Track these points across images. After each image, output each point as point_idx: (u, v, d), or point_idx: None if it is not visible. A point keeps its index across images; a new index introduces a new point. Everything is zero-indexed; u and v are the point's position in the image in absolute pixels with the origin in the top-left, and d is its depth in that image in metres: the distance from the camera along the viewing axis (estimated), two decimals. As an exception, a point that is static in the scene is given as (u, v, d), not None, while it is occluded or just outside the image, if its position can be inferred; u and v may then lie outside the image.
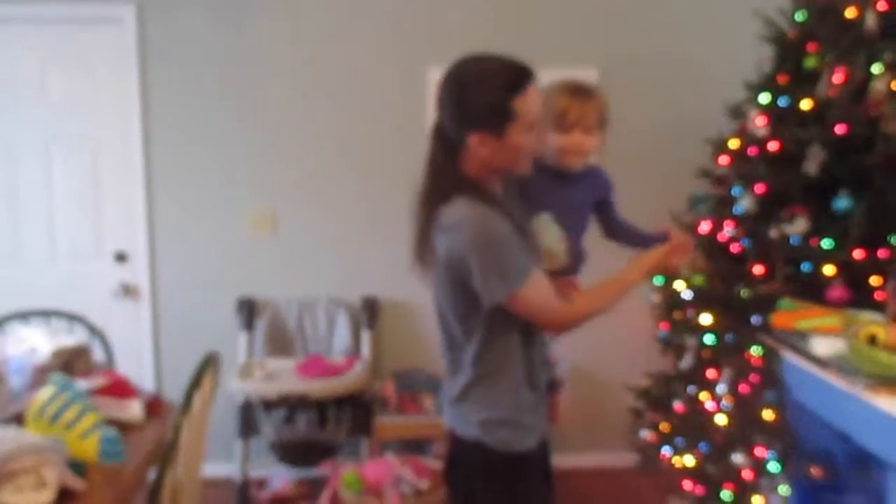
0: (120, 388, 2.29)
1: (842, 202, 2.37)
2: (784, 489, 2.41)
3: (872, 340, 1.88)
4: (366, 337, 3.56)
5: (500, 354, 1.64)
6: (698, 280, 2.86)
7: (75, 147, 3.64)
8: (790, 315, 2.28)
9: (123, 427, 2.06)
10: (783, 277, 2.53)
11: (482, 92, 1.53)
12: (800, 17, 2.74)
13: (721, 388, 2.65)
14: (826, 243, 2.39)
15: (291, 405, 3.17)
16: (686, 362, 2.87)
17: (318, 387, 3.13)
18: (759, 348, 2.52)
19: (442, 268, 1.62)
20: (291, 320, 3.62)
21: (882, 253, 2.27)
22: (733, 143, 2.90)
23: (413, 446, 3.41)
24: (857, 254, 2.31)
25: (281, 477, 3.48)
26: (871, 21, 2.37)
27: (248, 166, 3.64)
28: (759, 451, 2.51)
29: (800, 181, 2.52)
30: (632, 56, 3.60)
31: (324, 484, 3.14)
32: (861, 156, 2.34)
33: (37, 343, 2.39)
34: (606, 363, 3.65)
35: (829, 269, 2.37)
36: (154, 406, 2.30)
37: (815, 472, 2.26)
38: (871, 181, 2.33)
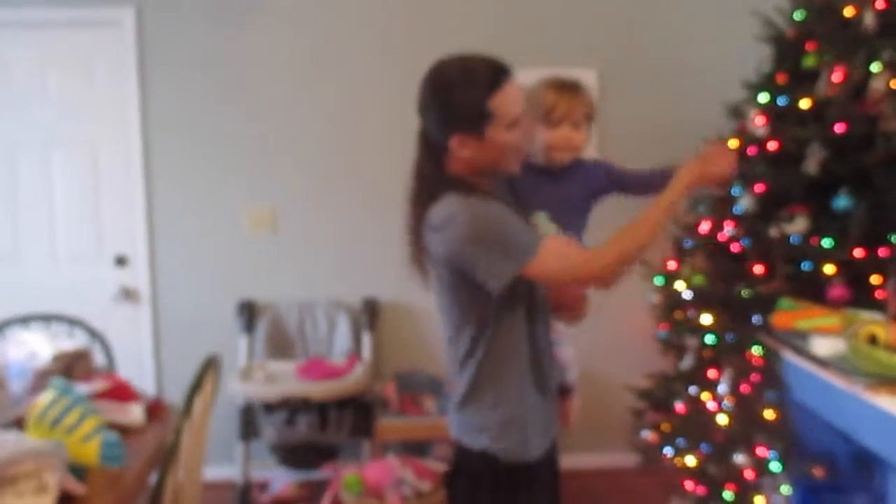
0: (121, 392, 2.30)
1: (842, 201, 2.37)
2: (786, 489, 2.41)
3: (872, 340, 1.88)
4: (366, 338, 3.56)
5: (504, 351, 1.61)
6: (698, 280, 2.86)
7: (75, 150, 3.64)
8: (790, 315, 2.28)
9: (124, 431, 2.06)
10: (783, 277, 2.52)
11: (458, 93, 1.52)
12: (798, 16, 2.73)
13: (722, 388, 2.65)
14: (826, 242, 2.39)
15: (292, 407, 3.17)
16: (687, 362, 2.87)
17: (318, 389, 3.13)
18: (760, 348, 2.52)
19: (440, 268, 1.61)
20: (292, 322, 3.62)
21: (882, 251, 2.26)
22: (732, 143, 2.89)
23: (414, 448, 3.40)
24: (858, 252, 2.30)
25: (282, 479, 3.48)
26: (869, 20, 2.36)
27: (248, 168, 3.64)
28: (761, 451, 2.51)
29: (799, 180, 2.52)
30: (631, 57, 3.60)
31: (325, 486, 3.14)
32: (861, 154, 2.33)
33: (37, 347, 2.39)
34: (607, 364, 3.65)
35: (829, 268, 2.37)
36: (155, 409, 2.30)
37: (816, 471, 2.26)
38: (871, 180, 2.33)
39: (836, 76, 2.40)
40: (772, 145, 2.65)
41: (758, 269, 2.62)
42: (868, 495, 2.05)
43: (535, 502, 1.68)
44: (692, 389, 2.86)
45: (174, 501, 1.96)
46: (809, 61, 2.56)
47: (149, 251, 3.65)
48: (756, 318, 2.54)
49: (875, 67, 2.29)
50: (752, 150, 2.75)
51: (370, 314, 3.58)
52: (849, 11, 2.45)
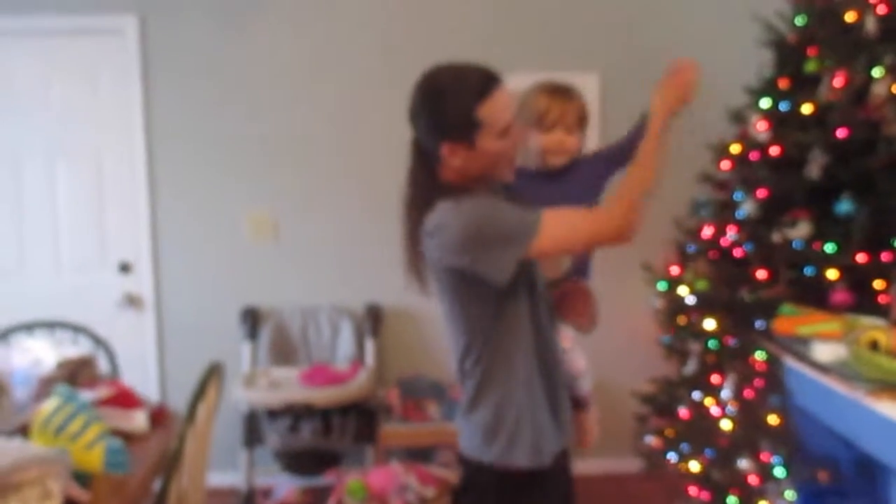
0: (124, 399, 2.30)
1: (844, 206, 2.37)
2: (790, 494, 2.41)
3: (874, 345, 1.88)
4: (369, 344, 3.56)
5: (509, 357, 1.60)
6: (701, 285, 2.86)
7: (79, 157, 3.65)
8: (791, 321, 2.28)
9: (128, 437, 2.07)
10: (786, 282, 2.53)
11: (447, 102, 1.52)
12: (800, 21, 2.74)
13: (726, 393, 2.65)
14: (829, 247, 2.39)
15: (296, 414, 3.17)
16: (690, 367, 2.87)
17: (322, 395, 3.13)
18: (764, 353, 2.52)
19: (440, 273, 1.60)
20: (295, 329, 3.62)
21: (885, 256, 2.26)
22: (735, 148, 2.90)
23: (418, 454, 3.40)
24: (860, 257, 2.31)
25: (286, 485, 3.48)
26: (870, 24, 2.37)
27: (251, 174, 3.65)
28: (765, 456, 2.50)
29: (802, 185, 2.52)
30: (633, 61, 3.61)
31: (329, 492, 3.13)
32: (863, 159, 2.33)
33: (42, 354, 2.40)
34: (611, 369, 3.64)
35: (832, 273, 2.37)
36: (158, 416, 2.30)
37: (821, 476, 2.26)
38: (874, 184, 2.33)
39: (838, 81, 2.40)
40: (774, 150, 2.65)
41: (761, 274, 2.62)
42: (870, 500, 2.04)
43: None
44: (696, 394, 2.86)
45: (178, 508, 1.96)
46: (811, 66, 2.57)
47: (152, 258, 3.66)
48: (759, 323, 2.54)
49: (876, 72, 2.30)
50: (754, 155, 2.76)
51: (373, 320, 3.59)
52: (850, 16, 2.46)
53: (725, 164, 2.95)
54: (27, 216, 3.66)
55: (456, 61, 1.58)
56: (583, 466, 3.61)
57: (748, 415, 2.58)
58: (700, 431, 2.78)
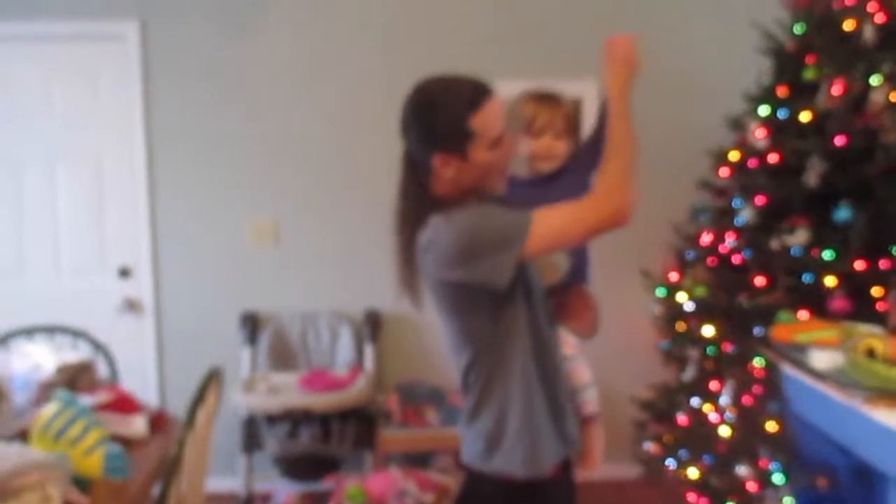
0: (124, 404, 2.30)
1: (842, 213, 2.38)
2: (788, 501, 2.41)
3: (871, 353, 1.88)
4: (369, 350, 3.56)
5: (508, 365, 1.59)
6: (700, 291, 2.86)
7: (79, 161, 3.66)
8: (789, 328, 2.28)
9: (127, 442, 2.07)
10: (785, 288, 2.53)
11: (438, 113, 1.52)
12: (798, 29, 2.75)
13: (724, 400, 2.65)
14: (827, 254, 2.40)
15: (295, 419, 3.17)
16: (689, 374, 2.88)
17: (321, 400, 3.13)
18: (762, 359, 2.52)
19: (437, 287, 1.60)
20: (294, 334, 3.63)
21: (883, 263, 2.27)
22: (733, 155, 2.91)
23: (417, 459, 3.40)
24: (859, 265, 2.31)
25: (285, 491, 3.48)
26: (869, 33, 2.38)
27: (251, 179, 3.66)
28: (763, 463, 2.50)
29: (800, 192, 2.53)
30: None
31: (328, 498, 3.13)
32: (861, 166, 2.34)
33: (41, 359, 2.40)
34: (610, 375, 3.62)
35: (830, 280, 2.37)
36: (158, 421, 2.31)
37: (819, 483, 2.26)
38: (872, 192, 2.34)
39: (836, 89, 2.41)
40: (772, 157, 2.66)
41: (759, 280, 2.62)
42: (869, 508, 2.05)
43: None
44: (694, 401, 2.86)
45: (177, 513, 1.96)
46: (809, 74, 2.58)
47: (152, 262, 3.66)
48: (757, 330, 2.55)
49: (874, 80, 2.31)
50: (753, 162, 2.77)
51: (372, 325, 3.59)
52: (848, 25, 2.47)
53: (724, 171, 2.96)
54: (27, 220, 3.67)
55: (447, 73, 1.58)
56: (581, 472, 3.62)
57: (747, 421, 2.58)
58: (699, 438, 2.79)
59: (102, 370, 2.90)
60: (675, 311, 3.02)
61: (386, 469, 3.18)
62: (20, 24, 3.55)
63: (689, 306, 2.92)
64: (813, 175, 2.46)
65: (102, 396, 2.27)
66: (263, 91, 3.63)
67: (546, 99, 1.82)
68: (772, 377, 2.48)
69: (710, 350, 2.78)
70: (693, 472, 2.81)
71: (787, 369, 2.31)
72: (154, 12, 3.57)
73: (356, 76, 3.63)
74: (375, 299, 3.65)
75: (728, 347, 2.70)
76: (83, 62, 3.62)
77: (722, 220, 2.93)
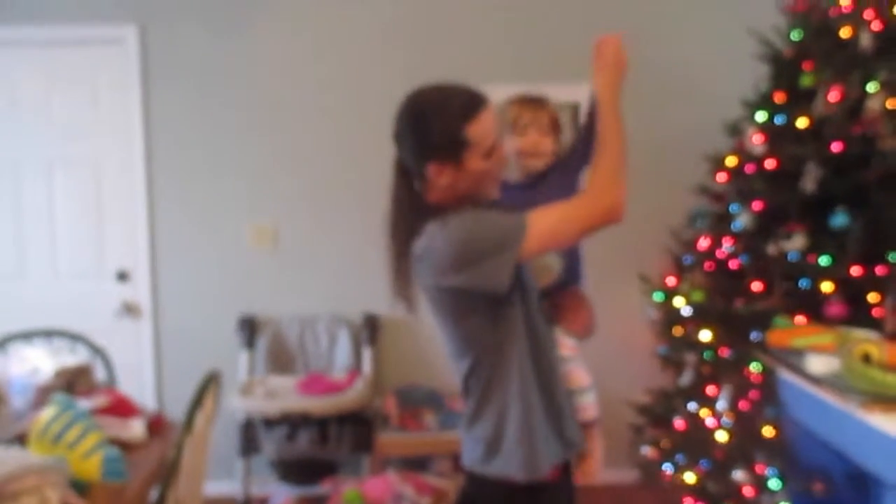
0: (122, 408, 2.31)
1: (839, 219, 2.39)
2: (785, 506, 2.42)
3: (866, 358, 1.89)
4: (367, 354, 3.56)
5: (507, 369, 1.59)
6: (697, 296, 2.87)
7: (78, 166, 3.67)
8: (785, 333, 2.29)
9: (125, 446, 2.07)
10: (781, 294, 2.54)
11: (435, 122, 1.53)
12: (795, 35, 2.77)
13: (721, 405, 2.66)
14: (824, 260, 2.41)
15: (293, 423, 3.17)
16: (686, 378, 2.88)
17: (319, 404, 3.14)
18: (759, 364, 2.53)
19: (435, 294, 1.60)
20: (292, 338, 3.63)
21: (880, 269, 2.28)
22: (731, 161, 2.92)
23: (414, 463, 3.40)
24: (855, 270, 2.32)
25: (282, 494, 3.48)
26: (865, 40, 2.40)
27: (249, 184, 3.67)
28: (760, 468, 2.51)
29: (797, 198, 2.54)
30: (629, 74, 3.61)
31: (325, 501, 3.14)
32: (858, 173, 2.36)
33: (39, 363, 2.40)
34: (607, 379, 3.61)
35: (827, 286, 2.38)
36: (156, 425, 2.31)
37: (816, 488, 2.26)
38: (868, 198, 2.35)
39: (833, 95, 2.43)
40: (770, 163, 2.67)
41: (756, 285, 2.63)
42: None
43: None
44: (691, 405, 2.87)
45: (175, 517, 1.96)
46: (807, 80, 2.59)
47: (150, 266, 3.67)
48: (754, 335, 2.56)
49: (871, 87, 2.33)
50: (750, 168, 2.78)
51: (370, 329, 3.60)
52: (845, 32, 2.48)
53: (722, 177, 2.97)
54: (26, 224, 3.67)
55: (441, 82, 1.60)
56: (580, 480, 3.62)
57: (743, 426, 2.59)
58: (695, 442, 2.79)
59: (100, 374, 2.89)
60: (673, 316, 3.03)
61: (383, 473, 3.18)
62: (19, 28, 3.56)
63: (686, 311, 2.93)
64: (810, 181, 2.47)
65: (100, 400, 2.28)
66: (262, 95, 3.64)
67: (530, 100, 1.86)
68: (768, 382, 2.49)
69: (707, 355, 2.79)
70: (690, 477, 2.81)
71: (784, 374, 2.32)
72: (153, 17, 3.58)
73: (354, 81, 3.64)
74: (373, 303, 3.65)
75: (725, 352, 2.71)
76: (82, 66, 3.63)
77: (719, 225, 2.94)
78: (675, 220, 3.30)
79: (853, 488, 2.07)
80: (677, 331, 2.99)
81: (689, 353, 2.88)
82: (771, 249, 2.59)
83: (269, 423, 3.21)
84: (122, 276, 3.69)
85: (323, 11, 3.62)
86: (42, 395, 2.25)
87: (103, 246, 3.70)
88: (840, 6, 2.54)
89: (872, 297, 2.30)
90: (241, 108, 3.63)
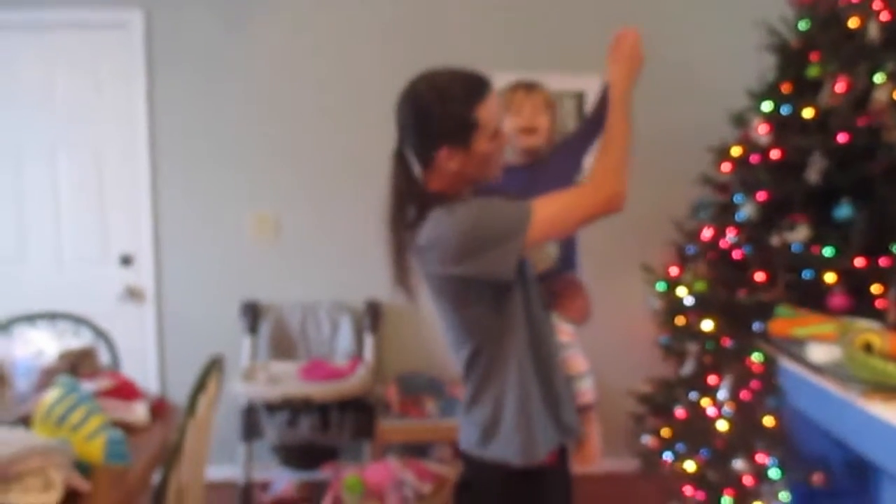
0: (125, 391, 2.32)
1: (843, 210, 2.38)
2: (784, 495, 2.42)
3: (868, 348, 1.89)
4: (368, 340, 3.57)
5: (506, 355, 1.61)
6: (700, 286, 2.87)
7: (81, 150, 3.67)
8: (787, 322, 2.29)
9: (129, 429, 2.08)
10: (784, 285, 2.54)
11: (445, 105, 1.53)
12: (803, 26, 2.75)
13: (722, 394, 2.67)
14: (827, 251, 2.40)
15: (294, 408, 3.18)
16: (687, 368, 2.88)
17: (320, 390, 3.15)
18: (761, 355, 2.53)
19: (439, 282, 1.61)
20: (295, 324, 3.64)
21: (883, 261, 2.27)
22: (736, 151, 2.91)
23: (415, 450, 3.42)
24: (859, 262, 2.32)
25: (283, 480, 3.50)
26: (873, 31, 2.38)
27: (253, 169, 3.67)
28: (760, 458, 2.52)
29: (801, 189, 2.53)
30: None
31: (326, 487, 3.15)
32: (862, 164, 2.35)
33: (43, 345, 2.41)
34: (608, 368, 3.64)
35: (830, 277, 2.38)
36: (159, 408, 2.32)
37: (816, 478, 2.27)
38: (873, 190, 2.34)
39: (840, 86, 2.41)
40: (774, 154, 2.66)
41: (759, 276, 2.63)
42: (862, 502, 2.06)
43: None
44: (692, 395, 2.87)
45: (177, 500, 1.97)
46: (813, 71, 2.58)
47: (154, 251, 3.67)
48: (756, 326, 2.56)
49: (878, 78, 2.31)
50: (755, 158, 2.77)
51: (372, 316, 3.60)
52: (853, 22, 2.47)
53: (726, 167, 2.96)
54: (30, 208, 3.68)
55: (441, 67, 1.60)
56: (579, 467, 3.64)
57: (744, 416, 2.59)
58: (696, 432, 2.80)
59: (104, 357, 2.91)
60: (675, 306, 3.02)
61: (384, 459, 3.19)
62: (23, 12, 3.55)
63: (688, 301, 2.93)
64: (814, 172, 2.46)
65: (104, 383, 2.29)
66: (266, 82, 3.63)
67: (523, 84, 1.94)
68: (769, 372, 2.49)
69: (708, 345, 2.79)
70: (690, 466, 2.82)
71: (785, 363, 2.32)
72: (157, 1, 3.57)
73: (357, 68, 3.63)
74: (376, 290, 3.65)
75: (727, 342, 2.71)
76: (86, 51, 3.63)
77: (723, 215, 2.94)
78: (679, 210, 3.30)
79: (853, 477, 2.08)
80: (679, 321, 2.99)
81: (690, 342, 2.88)
82: (774, 240, 2.59)
83: (271, 408, 3.22)
84: (126, 261, 3.70)
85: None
86: (46, 378, 2.26)
87: (106, 230, 3.70)
88: (848, -4, 2.53)
89: (876, 289, 2.29)
90: (246, 94, 3.63)
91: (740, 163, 2.88)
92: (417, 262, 1.62)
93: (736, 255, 2.79)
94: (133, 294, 3.71)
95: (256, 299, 3.66)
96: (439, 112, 1.54)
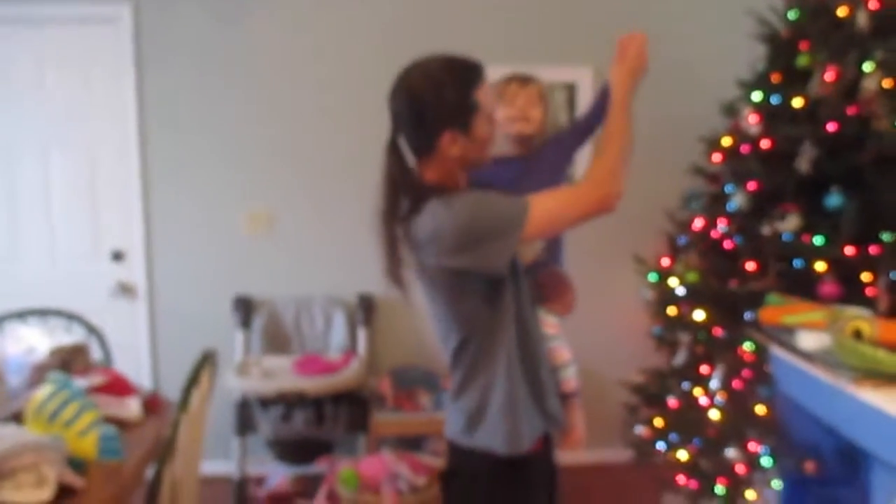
0: (118, 386, 2.31)
1: (833, 199, 2.39)
2: (776, 483, 2.44)
3: (857, 335, 1.90)
4: (362, 334, 3.57)
5: (494, 346, 1.61)
6: (692, 276, 2.88)
7: (72, 145, 3.65)
8: (777, 310, 2.30)
9: (122, 424, 2.08)
10: (775, 274, 2.55)
11: (446, 89, 1.54)
12: (792, 15, 2.75)
13: (714, 384, 2.68)
14: (818, 240, 2.41)
15: (288, 402, 3.18)
16: (680, 358, 2.90)
17: (314, 384, 3.15)
18: (752, 344, 2.55)
19: (433, 274, 1.61)
20: (288, 318, 3.64)
21: (873, 249, 2.29)
22: (726, 141, 2.92)
23: (409, 443, 3.42)
24: (849, 250, 2.33)
25: (278, 474, 3.50)
26: (862, 20, 2.38)
27: (245, 164, 3.66)
28: (752, 446, 2.53)
29: (792, 178, 2.54)
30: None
31: (321, 481, 3.16)
32: (852, 153, 2.35)
33: (35, 342, 2.41)
34: (601, 359, 3.66)
35: (820, 266, 2.39)
36: (152, 404, 2.31)
37: (808, 466, 2.29)
38: (863, 179, 2.35)
39: (829, 76, 2.42)
40: (765, 143, 2.67)
41: (750, 266, 2.64)
42: (853, 489, 2.07)
43: (531, 498, 1.69)
44: (685, 385, 2.89)
45: (171, 495, 1.97)
46: (803, 61, 2.58)
47: (146, 247, 3.66)
48: (748, 315, 2.57)
49: (867, 67, 2.32)
50: (745, 148, 2.78)
51: (366, 310, 3.60)
52: (842, 11, 2.47)
53: (717, 157, 2.97)
54: (21, 204, 3.66)
55: (433, 54, 1.61)
56: (572, 456, 3.64)
57: (736, 405, 2.61)
58: (689, 421, 2.81)
59: (96, 353, 2.90)
60: (667, 297, 3.04)
61: (379, 452, 3.20)
62: (12, 6, 3.53)
63: (680, 291, 2.94)
64: (805, 161, 2.47)
65: (96, 379, 2.28)
66: (259, 77, 3.62)
67: (519, 78, 1.95)
68: (761, 361, 2.51)
69: (700, 335, 2.80)
70: (683, 455, 2.84)
71: (776, 350, 2.33)
72: (147, -5, 3.55)
73: (351, 63, 3.62)
74: (369, 284, 3.65)
75: (719, 332, 2.73)
76: (76, 46, 3.60)
77: (714, 205, 2.95)
78: (670, 201, 3.31)
79: (844, 464, 2.09)
80: (671, 311, 3.01)
81: (683, 333, 2.90)
82: (765, 230, 2.60)
83: (265, 402, 3.22)
84: (118, 257, 3.69)
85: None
86: (38, 374, 2.25)
87: (98, 226, 3.69)
88: (837, -15, 2.53)
89: (866, 277, 2.30)
90: (237, 89, 3.61)
91: (731, 153, 2.89)
92: (411, 254, 1.62)
93: (727, 244, 2.80)
94: (125, 290, 3.70)
95: (249, 294, 3.66)
96: (443, 96, 1.55)
